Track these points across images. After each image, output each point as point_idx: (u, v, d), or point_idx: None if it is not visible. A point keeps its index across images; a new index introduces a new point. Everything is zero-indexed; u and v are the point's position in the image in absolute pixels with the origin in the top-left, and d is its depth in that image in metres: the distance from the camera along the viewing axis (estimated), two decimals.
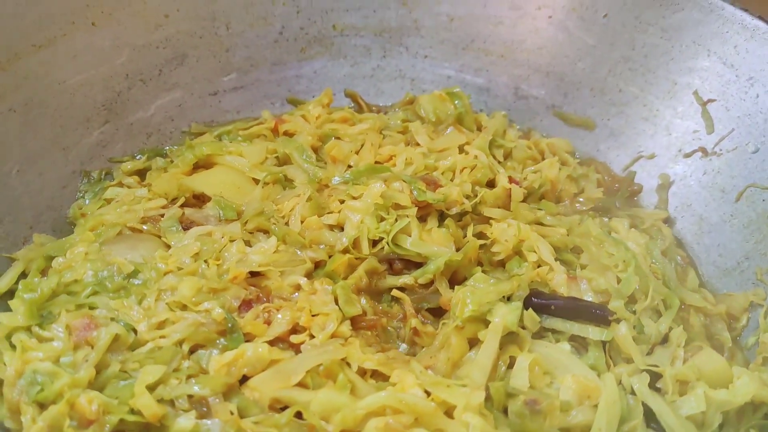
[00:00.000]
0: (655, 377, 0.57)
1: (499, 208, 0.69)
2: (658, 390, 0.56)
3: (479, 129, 0.81)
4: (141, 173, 0.74)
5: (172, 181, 0.72)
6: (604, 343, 0.59)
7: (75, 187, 0.71)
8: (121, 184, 0.72)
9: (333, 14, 0.84)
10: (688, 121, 0.74)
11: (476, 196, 0.68)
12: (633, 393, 0.55)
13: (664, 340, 0.61)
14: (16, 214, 0.66)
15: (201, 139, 0.77)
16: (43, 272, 0.63)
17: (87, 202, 0.69)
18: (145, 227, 0.67)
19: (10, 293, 0.61)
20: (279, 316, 0.58)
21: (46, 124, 0.68)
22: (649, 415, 0.54)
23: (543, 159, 0.78)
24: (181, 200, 0.69)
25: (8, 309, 0.61)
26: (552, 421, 0.53)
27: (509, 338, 0.59)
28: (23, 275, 0.62)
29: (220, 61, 0.81)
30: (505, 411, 0.55)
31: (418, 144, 0.76)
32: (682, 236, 0.72)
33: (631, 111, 0.79)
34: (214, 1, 0.79)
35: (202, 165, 0.74)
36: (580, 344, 0.59)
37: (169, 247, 0.65)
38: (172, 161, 0.75)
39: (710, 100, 0.73)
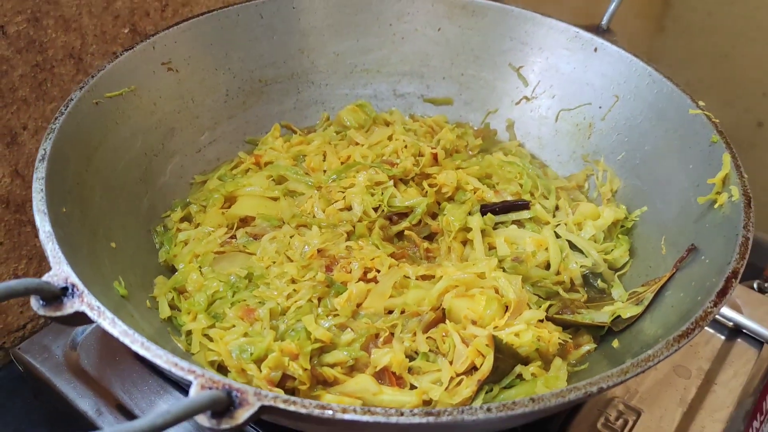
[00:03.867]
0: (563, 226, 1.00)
1: (433, 167, 1.07)
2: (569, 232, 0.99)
3: (387, 124, 1.17)
4: (184, 219, 1.00)
5: (218, 216, 0.98)
6: (530, 219, 1.00)
7: (151, 242, 0.95)
8: (180, 230, 0.97)
9: (257, 72, 1.14)
10: (511, 83, 1.17)
11: (418, 164, 1.05)
12: (559, 236, 0.97)
13: (557, 208, 1.04)
14: (129, 272, 0.86)
15: (213, 184, 1.04)
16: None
17: (168, 248, 0.94)
18: (224, 249, 0.94)
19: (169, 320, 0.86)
20: (354, 265, 0.90)
21: (122, 202, 0.92)
22: (571, 246, 0.97)
23: (434, 131, 1.17)
24: (235, 225, 0.97)
25: (174, 328, 0.86)
26: (530, 264, 0.92)
27: (483, 233, 0.97)
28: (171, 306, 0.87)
29: (195, 126, 1.07)
30: (503, 269, 0.93)
31: (358, 143, 1.11)
32: (532, 151, 1.16)
33: (473, 85, 1.19)
34: (179, 83, 1.05)
35: (228, 200, 1.01)
36: (518, 225, 1.00)
37: (253, 254, 0.93)
38: (203, 205, 1.01)
39: (520, 67, 1.16)
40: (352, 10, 1.16)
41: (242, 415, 0.56)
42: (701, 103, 0.93)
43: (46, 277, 0.65)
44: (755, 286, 1.20)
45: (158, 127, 1.01)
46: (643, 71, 1.01)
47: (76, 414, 0.92)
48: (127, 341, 0.61)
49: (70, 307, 0.63)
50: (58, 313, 0.63)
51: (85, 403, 0.92)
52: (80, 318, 0.63)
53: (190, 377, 0.58)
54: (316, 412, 0.57)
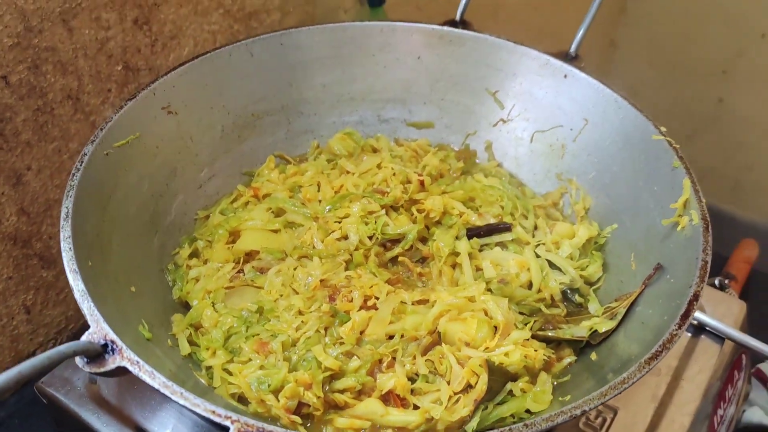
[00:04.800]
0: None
1: (420, 192, 1.15)
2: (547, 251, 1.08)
3: (374, 150, 1.25)
4: (193, 255, 1.07)
5: (224, 251, 1.05)
6: (512, 240, 1.09)
7: (164, 281, 1.03)
8: (189, 266, 1.05)
9: (250, 107, 1.21)
10: (488, 106, 1.25)
11: (407, 191, 1.13)
12: (539, 256, 1.06)
13: (536, 227, 1.13)
14: (149, 313, 0.92)
15: (215, 219, 1.11)
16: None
17: (181, 285, 1.01)
18: (233, 284, 1.02)
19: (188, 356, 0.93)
20: (355, 294, 0.98)
21: (136, 247, 0.99)
22: (550, 264, 1.06)
23: (419, 155, 1.25)
24: (241, 260, 1.05)
25: (194, 363, 0.93)
26: (515, 285, 1.01)
27: (470, 256, 1.06)
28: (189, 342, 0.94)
29: (195, 164, 1.14)
30: (490, 291, 1.02)
31: (349, 172, 1.19)
32: (510, 170, 1.25)
33: (452, 110, 1.27)
34: (178, 125, 1.11)
35: (232, 234, 1.09)
36: (501, 247, 1.09)
37: (261, 288, 1.00)
38: (209, 241, 1.08)
39: (496, 91, 1.24)
40: (337, 43, 1.23)
41: None
42: (663, 129, 1.02)
43: (86, 337, 0.72)
44: (716, 283, 1.31)
45: (162, 168, 1.07)
46: (610, 97, 1.10)
47: None
48: (167, 392, 0.69)
49: (112, 363, 0.71)
50: (102, 369, 0.70)
51: (109, 430, 0.99)
52: (122, 371, 0.71)
53: (227, 423, 0.66)
54: None
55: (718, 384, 1.13)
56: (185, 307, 0.99)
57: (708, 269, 0.84)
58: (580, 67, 1.15)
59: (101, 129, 0.98)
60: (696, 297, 0.81)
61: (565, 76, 1.15)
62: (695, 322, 1.15)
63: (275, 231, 1.07)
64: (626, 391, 1.06)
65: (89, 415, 1.01)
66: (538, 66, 1.18)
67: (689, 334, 1.15)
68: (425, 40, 1.24)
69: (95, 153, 0.95)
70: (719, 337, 1.14)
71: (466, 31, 1.22)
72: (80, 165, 0.91)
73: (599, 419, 1.03)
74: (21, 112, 1.12)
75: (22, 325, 1.25)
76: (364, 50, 1.24)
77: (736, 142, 2.20)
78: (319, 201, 1.11)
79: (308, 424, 0.87)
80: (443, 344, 0.92)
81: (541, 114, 1.19)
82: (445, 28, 1.23)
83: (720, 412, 1.17)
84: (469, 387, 0.87)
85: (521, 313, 0.98)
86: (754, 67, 2.07)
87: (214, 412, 0.67)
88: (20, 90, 1.11)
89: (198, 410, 0.68)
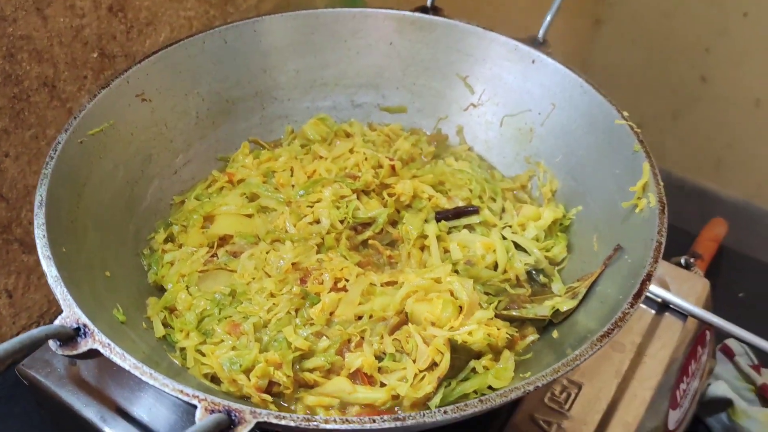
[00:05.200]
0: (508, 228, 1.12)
1: (391, 177, 1.18)
2: (514, 234, 1.11)
3: (347, 135, 1.27)
4: (168, 240, 1.09)
5: (199, 236, 1.07)
6: (479, 222, 1.12)
7: (139, 265, 1.05)
8: (164, 251, 1.07)
9: (224, 93, 1.22)
10: (458, 91, 1.27)
11: (378, 175, 1.16)
12: (505, 238, 1.09)
13: (504, 210, 1.16)
14: (124, 297, 0.95)
15: (191, 204, 1.13)
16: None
17: (156, 269, 1.04)
18: (207, 268, 1.05)
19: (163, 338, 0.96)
20: (326, 276, 1.01)
21: (111, 232, 1.01)
22: (516, 246, 1.09)
23: (391, 140, 1.27)
24: (215, 244, 1.07)
25: (169, 345, 0.96)
26: (480, 266, 1.04)
27: (437, 239, 1.09)
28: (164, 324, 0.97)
29: (170, 150, 1.15)
30: (456, 272, 1.05)
31: (322, 157, 1.21)
32: (480, 154, 1.27)
33: (424, 94, 1.29)
34: (152, 112, 1.13)
35: (207, 219, 1.11)
36: (469, 229, 1.12)
37: (234, 272, 1.03)
38: (184, 225, 1.10)
39: (466, 76, 1.26)
40: (309, 29, 1.25)
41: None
42: (625, 113, 1.05)
43: (59, 321, 0.75)
44: (682, 261, 1.34)
45: (137, 155, 1.09)
46: (575, 82, 1.12)
47: (82, 421, 1.03)
48: (137, 373, 0.72)
49: (84, 345, 0.74)
50: (75, 352, 0.73)
51: (89, 411, 1.02)
52: (94, 353, 0.74)
53: (194, 402, 0.69)
54: (303, 424, 0.69)
55: (681, 359, 1.17)
56: (160, 290, 1.02)
57: (662, 250, 0.87)
58: (547, 52, 1.17)
59: (75, 117, 0.99)
60: (649, 277, 0.84)
61: (533, 62, 1.18)
62: (659, 300, 1.19)
63: (249, 216, 1.09)
64: (591, 367, 1.11)
65: (70, 396, 1.04)
66: (507, 51, 1.20)
67: (653, 312, 1.19)
68: (397, 26, 1.26)
69: (69, 141, 0.96)
70: (682, 315, 1.18)
71: (437, 17, 1.24)
72: (54, 153, 0.93)
73: (564, 394, 1.07)
74: None
75: (5, 309, 1.27)
76: (336, 36, 1.26)
77: (718, 121, 2.23)
78: (292, 186, 1.13)
79: (279, 402, 0.90)
80: (410, 324, 0.95)
81: (510, 98, 1.22)
82: (417, 14, 1.25)
83: (683, 386, 1.21)
84: (434, 365, 0.91)
85: (487, 293, 1.01)
86: (736, 46, 2.09)
87: (182, 391, 0.70)
88: None
89: (167, 390, 0.71)
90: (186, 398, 0.70)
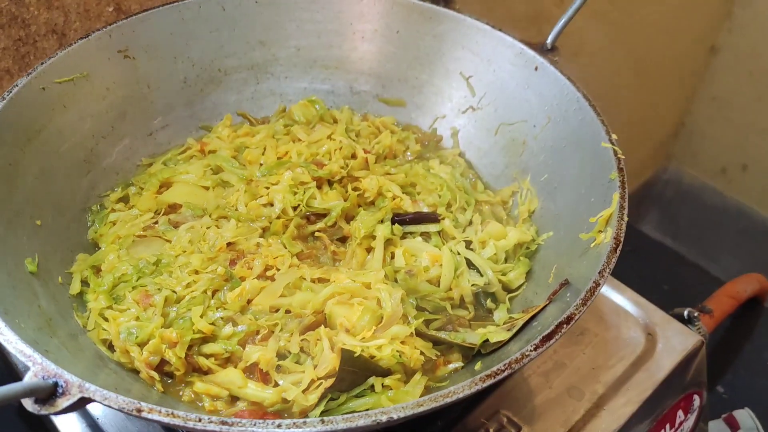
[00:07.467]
0: (468, 243, 1.03)
1: (362, 170, 1.11)
2: (472, 250, 1.02)
3: (335, 121, 1.22)
4: (122, 200, 1.08)
5: (150, 200, 1.06)
6: (438, 232, 1.04)
7: (83, 220, 1.05)
8: (113, 210, 1.06)
9: (217, 62, 1.20)
10: (460, 91, 1.19)
11: (348, 166, 1.10)
12: (459, 254, 1.00)
13: (471, 223, 1.07)
14: (50, 249, 0.94)
15: (155, 168, 1.12)
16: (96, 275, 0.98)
17: (98, 226, 1.03)
18: (146, 234, 1.03)
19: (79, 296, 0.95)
20: (257, 262, 0.97)
21: (59, 182, 1.01)
22: (469, 264, 1.00)
23: (380, 132, 1.21)
24: (162, 211, 1.05)
25: (82, 304, 0.96)
26: (420, 278, 0.96)
27: (388, 243, 1.02)
28: (83, 282, 0.96)
29: (148, 111, 1.14)
30: (395, 281, 0.98)
31: (299, 139, 1.16)
32: (470, 161, 1.18)
33: (425, 90, 1.21)
34: (135, 70, 1.12)
35: (164, 185, 1.09)
36: (425, 237, 1.04)
37: (169, 242, 1.01)
38: (141, 188, 1.09)
39: (470, 76, 1.18)
40: (316, 7, 1.20)
41: (62, 403, 0.64)
42: (614, 136, 0.94)
43: None
44: (685, 314, 1.20)
45: (110, 111, 1.08)
46: (573, 96, 1.01)
47: None
48: None
49: None
50: None
51: None
52: None
53: (29, 363, 0.67)
54: (126, 408, 0.65)
55: (649, 422, 1.04)
56: (96, 248, 1.01)
57: (596, 293, 0.76)
58: (553, 60, 1.07)
59: (42, 63, 0.99)
60: (568, 320, 0.74)
61: (536, 68, 1.08)
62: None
63: (205, 188, 1.06)
64: (538, 411, 1.01)
65: None
66: (513, 54, 1.11)
67: (628, 363, 1.06)
68: (405, 13, 1.19)
69: (28, 85, 0.97)
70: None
71: (445, 9, 1.16)
72: (7, 95, 0.94)
73: None
74: (1, 40, 1.16)
75: None
76: (342, 18, 1.21)
77: None
78: (261, 164, 1.09)
79: (169, 382, 0.87)
80: (326, 326, 0.89)
81: (510, 106, 1.12)
82: (426, 3, 1.17)
83: None
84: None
85: (423, 309, 0.93)
86: None
87: (22, 352, 0.68)
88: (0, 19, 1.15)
89: (9, 347, 0.69)
90: (23, 358, 0.68)
